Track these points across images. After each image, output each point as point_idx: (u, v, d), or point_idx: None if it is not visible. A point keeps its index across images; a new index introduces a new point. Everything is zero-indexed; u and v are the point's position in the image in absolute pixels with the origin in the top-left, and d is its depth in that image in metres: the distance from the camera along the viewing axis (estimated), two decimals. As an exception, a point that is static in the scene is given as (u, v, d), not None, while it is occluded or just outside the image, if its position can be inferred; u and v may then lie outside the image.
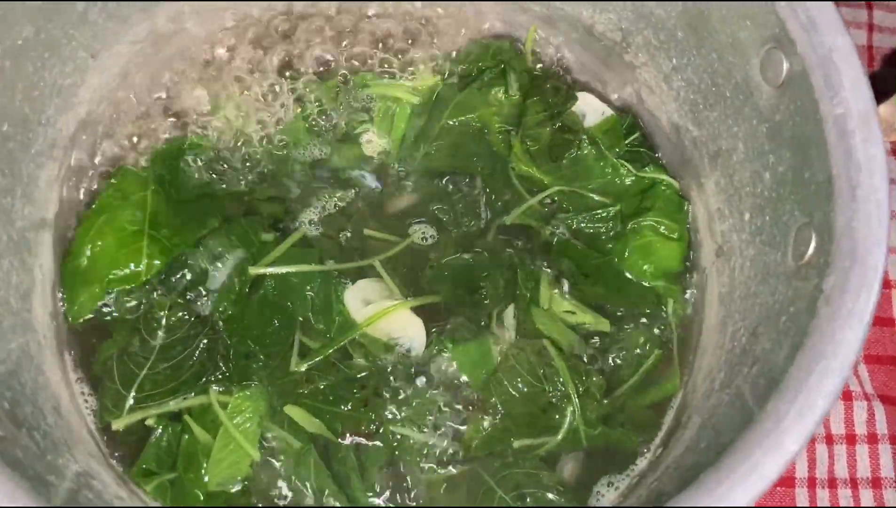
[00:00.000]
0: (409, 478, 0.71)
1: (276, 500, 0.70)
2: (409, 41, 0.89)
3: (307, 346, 0.74)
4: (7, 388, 0.59)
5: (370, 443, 0.71)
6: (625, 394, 0.75)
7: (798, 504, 0.85)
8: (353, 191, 0.82)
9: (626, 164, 0.82)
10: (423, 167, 0.83)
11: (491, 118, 0.84)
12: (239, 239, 0.77)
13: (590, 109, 0.86)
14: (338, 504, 0.69)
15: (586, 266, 0.79)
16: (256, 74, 0.87)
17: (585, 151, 0.82)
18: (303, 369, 0.72)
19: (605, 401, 0.73)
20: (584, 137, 0.83)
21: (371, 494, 0.70)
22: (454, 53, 0.89)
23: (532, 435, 0.72)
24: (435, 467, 0.71)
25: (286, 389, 0.72)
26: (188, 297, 0.75)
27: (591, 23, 0.83)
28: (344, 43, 0.89)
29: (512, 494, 0.69)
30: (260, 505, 0.69)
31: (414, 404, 0.72)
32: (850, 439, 0.88)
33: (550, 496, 0.69)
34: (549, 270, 0.78)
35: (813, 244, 0.56)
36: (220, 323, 0.74)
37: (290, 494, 0.69)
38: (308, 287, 0.75)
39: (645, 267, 0.79)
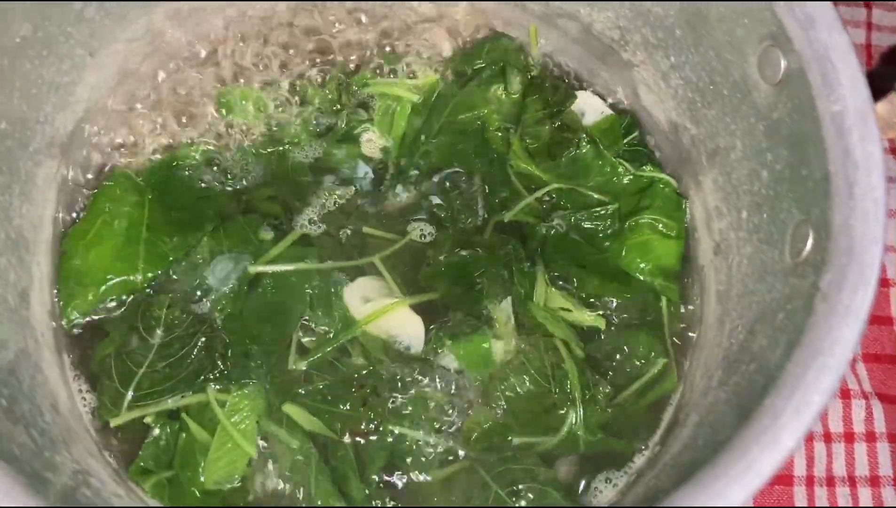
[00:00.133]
0: (408, 477, 0.71)
1: (273, 499, 0.70)
2: (409, 40, 0.89)
3: (306, 345, 0.74)
4: (4, 385, 0.59)
5: (369, 442, 0.71)
6: (625, 399, 0.75)
7: (796, 502, 0.85)
8: (352, 189, 0.82)
9: (624, 162, 0.82)
10: (423, 165, 0.83)
11: (490, 116, 0.84)
12: (238, 238, 0.77)
13: (589, 108, 0.87)
14: (336, 504, 0.68)
15: (583, 263, 0.79)
16: (255, 73, 0.87)
17: (584, 150, 0.82)
18: (302, 367, 0.72)
19: (609, 409, 0.73)
20: (583, 135, 0.83)
21: (370, 493, 0.70)
22: (454, 52, 0.89)
23: (532, 434, 0.72)
24: (434, 466, 0.71)
25: (284, 388, 0.72)
26: (187, 295, 0.75)
27: (590, 21, 0.83)
28: (344, 41, 0.89)
29: (507, 489, 0.69)
30: (257, 504, 0.69)
31: (413, 402, 0.72)
32: (849, 437, 0.88)
33: (546, 493, 0.69)
34: (544, 267, 0.78)
35: (810, 242, 0.56)
36: (219, 322, 0.74)
37: (287, 493, 0.69)
38: (307, 285, 0.75)
39: (642, 265, 0.79)
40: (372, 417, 0.71)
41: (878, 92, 0.72)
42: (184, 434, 0.70)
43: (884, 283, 0.95)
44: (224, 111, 0.84)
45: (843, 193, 0.53)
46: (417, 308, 0.75)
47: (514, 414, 0.72)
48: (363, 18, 0.90)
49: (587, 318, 0.76)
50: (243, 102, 0.85)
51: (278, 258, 0.76)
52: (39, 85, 0.69)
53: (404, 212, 0.82)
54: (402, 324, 0.74)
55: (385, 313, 0.73)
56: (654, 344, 0.76)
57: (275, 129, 0.84)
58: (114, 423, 0.70)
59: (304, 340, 0.74)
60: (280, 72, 0.87)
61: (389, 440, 0.71)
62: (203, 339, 0.73)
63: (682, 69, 0.75)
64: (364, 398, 0.72)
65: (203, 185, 0.81)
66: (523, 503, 0.69)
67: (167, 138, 0.83)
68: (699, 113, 0.75)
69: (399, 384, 0.72)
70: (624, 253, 0.79)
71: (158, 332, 0.73)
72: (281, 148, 0.83)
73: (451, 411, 0.72)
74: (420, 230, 0.80)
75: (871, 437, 0.88)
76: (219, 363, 0.72)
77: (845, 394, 0.89)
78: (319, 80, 0.86)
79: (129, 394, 0.70)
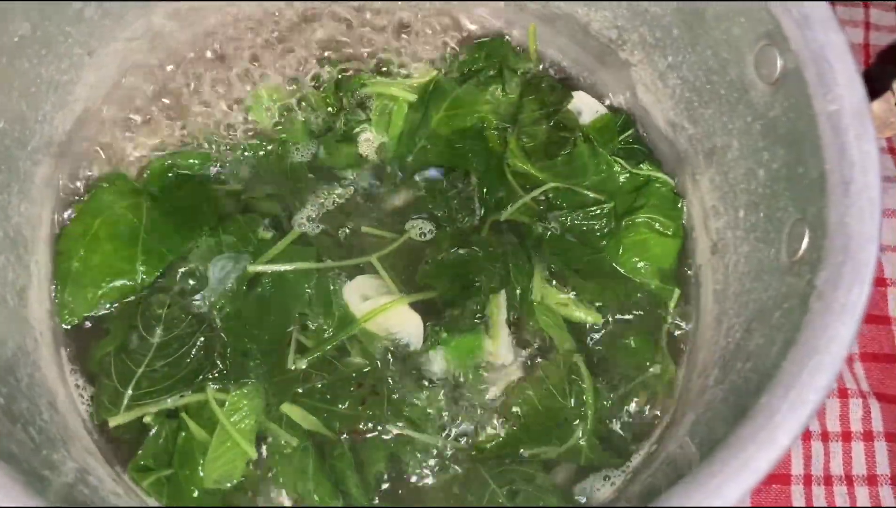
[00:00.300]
0: (408, 477, 0.71)
1: (272, 499, 0.70)
2: (407, 40, 0.89)
3: (304, 344, 0.74)
4: (3, 384, 0.59)
5: (368, 442, 0.71)
6: (624, 400, 0.75)
7: (794, 501, 0.85)
8: (350, 189, 0.82)
9: (620, 161, 0.82)
10: (420, 164, 0.83)
11: (487, 115, 0.84)
12: (236, 237, 0.77)
13: (585, 107, 0.87)
14: (335, 504, 0.69)
15: (579, 262, 0.79)
16: (254, 73, 0.87)
17: (580, 149, 0.82)
18: (302, 366, 0.72)
19: (613, 426, 0.74)
20: (580, 134, 0.83)
21: (368, 493, 0.70)
22: (451, 52, 0.89)
23: (539, 445, 0.73)
24: (433, 465, 0.71)
25: (283, 387, 0.72)
26: (186, 294, 0.75)
27: (587, 21, 0.83)
28: (341, 42, 0.90)
29: (505, 489, 0.69)
30: (256, 504, 0.69)
31: (411, 401, 0.72)
32: (846, 436, 0.88)
33: (542, 497, 0.69)
34: (541, 265, 0.78)
35: (806, 240, 0.56)
36: (218, 321, 0.74)
37: (286, 493, 0.70)
38: (306, 285, 0.75)
39: (639, 264, 0.79)
40: (371, 416, 0.71)
41: (876, 91, 0.72)
42: (183, 433, 0.70)
43: (881, 282, 0.95)
44: (222, 111, 0.84)
45: (839, 191, 0.53)
46: (416, 307, 0.75)
47: (527, 427, 0.72)
48: (361, 18, 0.90)
49: (584, 313, 0.77)
50: (242, 102, 0.85)
51: (277, 258, 0.76)
52: (38, 84, 0.69)
53: (402, 211, 0.82)
54: (401, 322, 0.74)
55: (384, 310, 0.74)
56: (651, 344, 0.77)
57: (273, 129, 0.84)
58: (113, 422, 0.70)
59: (303, 339, 0.74)
60: (279, 72, 0.87)
61: (388, 439, 0.71)
62: (202, 338, 0.73)
63: (679, 69, 0.75)
64: (363, 397, 0.72)
65: (201, 184, 0.81)
66: (521, 503, 0.69)
67: (165, 138, 0.83)
68: (696, 112, 0.75)
69: (398, 382, 0.72)
70: (621, 252, 0.80)
71: (158, 331, 0.73)
72: (279, 148, 0.83)
73: (450, 409, 0.73)
74: (419, 229, 0.80)
75: (868, 436, 0.88)
76: (218, 362, 0.72)
77: (843, 393, 0.89)
78: (318, 80, 0.86)
79: (128, 393, 0.70)
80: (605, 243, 0.80)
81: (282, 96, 0.85)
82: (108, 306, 0.74)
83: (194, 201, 0.80)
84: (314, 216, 0.80)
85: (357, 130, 0.85)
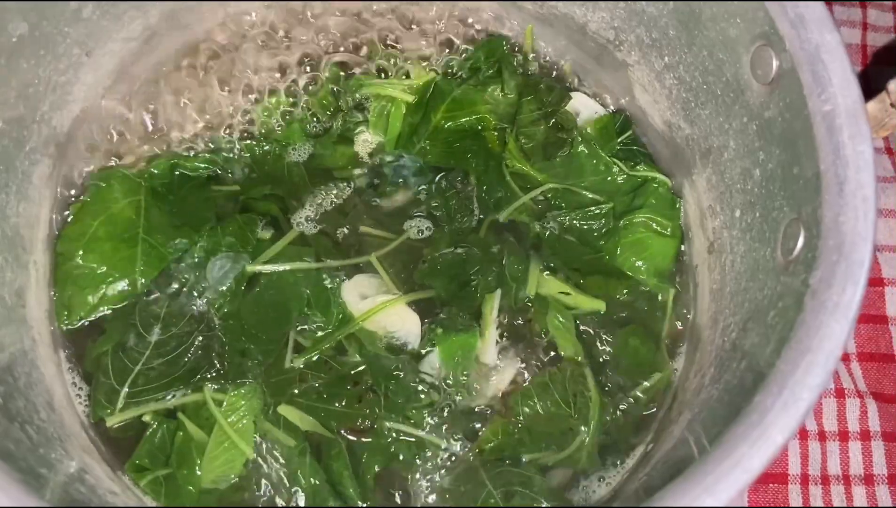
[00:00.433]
0: (403, 475, 0.71)
1: (269, 499, 0.70)
2: (405, 41, 0.90)
3: (302, 344, 0.74)
4: (0, 382, 0.59)
5: (366, 441, 0.71)
6: (622, 401, 0.75)
7: (791, 501, 0.85)
8: (348, 189, 0.82)
9: (618, 162, 0.82)
10: (418, 164, 0.83)
11: (486, 116, 0.84)
12: (235, 237, 0.77)
13: (583, 108, 0.87)
14: (332, 504, 0.69)
15: (577, 262, 0.79)
16: (252, 73, 0.87)
17: (578, 150, 0.83)
18: (300, 365, 0.72)
19: (612, 432, 0.74)
20: (578, 135, 0.83)
21: (364, 493, 0.70)
22: (449, 53, 0.89)
23: (540, 451, 0.73)
24: (432, 464, 0.71)
25: (281, 387, 0.72)
26: (184, 294, 0.75)
27: (584, 21, 0.83)
28: (339, 42, 0.90)
29: (501, 491, 0.69)
30: (254, 504, 0.69)
31: (409, 399, 0.72)
32: (843, 436, 0.88)
33: (538, 499, 0.69)
34: (539, 263, 0.78)
35: (801, 240, 0.56)
36: (216, 321, 0.74)
37: (284, 492, 0.70)
38: (304, 284, 0.75)
39: (637, 264, 0.79)
40: (367, 414, 0.71)
41: (874, 92, 0.72)
42: (180, 433, 0.70)
43: (879, 282, 0.95)
44: (220, 112, 0.85)
45: (834, 191, 0.53)
46: (414, 306, 0.75)
47: (529, 431, 0.72)
48: (359, 19, 0.90)
49: (586, 301, 0.76)
50: (239, 103, 0.85)
51: (276, 258, 0.76)
52: (36, 84, 0.69)
53: (400, 211, 0.82)
54: (400, 321, 0.75)
55: (382, 309, 0.74)
56: (649, 344, 0.77)
57: (271, 129, 0.84)
58: (109, 421, 0.70)
59: (301, 339, 0.74)
60: (276, 72, 0.88)
61: (387, 439, 0.71)
62: (200, 338, 0.73)
63: (675, 69, 0.75)
64: (359, 396, 0.72)
65: (199, 185, 0.81)
66: (516, 503, 0.69)
67: (163, 138, 0.83)
68: (693, 113, 0.75)
69: (395, 380, 0.72)
70: (618, 252, 0.80)
71: (156, 330, 0.73)
72: (277, 148, 0.83)
73: (447, 408, 0.73)
74: (417, 227, 0.80)
75: (865, 436, 0.88)
76: (216, 362, 0.73)
77: (840, 393, 0.89)
78: (316, 82, 0.86)
79: (125, 391, 0.70)
80: (603, 243, 0.80)
81: (283, 102, 0.85)
82: (106, 308, 0.74)
83: (193, 202, 0.80)
84: (312, 216, 0.80)
85: (354, 130, 0.85)
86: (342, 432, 0.71)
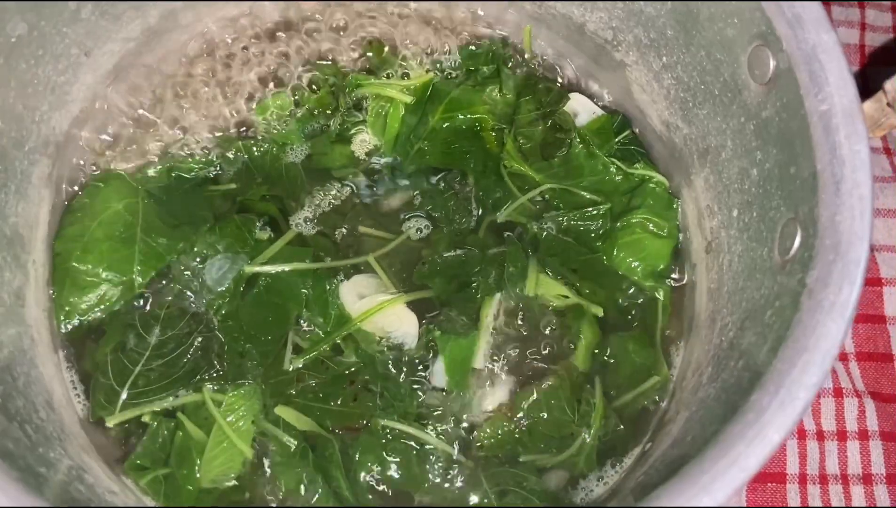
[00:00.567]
0: (400, 474, 0.71)
1: (268, 498, 0.70)
2: (403, 41, 0.90)
3: (300, 345, 0.74)
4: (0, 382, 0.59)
5: (361, 439, 0.71)
6: (620, 403, 0.75)
7: (789, 500, 0.85)
8: (347, 190, 0.82)
9: (616, 161, 0.82)
10: (417, 165, 0.83)
11: (484, 116, 0.84)
12: (233, 237, 0.77)
13: (582, 109, 0.87)
14: (330, 504, 0.69)
15: (575, 262, 0.79)
16: (250, 74, 0.87)
17: (577, 150, 0.83)
18: (299, 365, 0.73)
19: (610, 436, 0.74)
20: (576, 135, 0.83)
21: (358, 494, 0.70)
22: (447, 53, 0.89)
23: (538, 453, 0.73)
24: (426, 462, 0.71)
25: (279, 387, 0.72)
26: (183, 295, 0.75)
27: (583, 21, 0.83)
28: (338, 43, 0.90)
29: (496, 489, 0.69)
30: (252, 503, 0.70)
31: (404, 398, 0.72)
32: (841, 435, 0.88)
33: (532, 499, 0.70)
34: (538, 264, 0.78)
35: (798, 239, 0.56)
36: (215, 321, 0.74)
37: (282, 492, 0.70)
38: (302, 285, 0.75)
39: (634, 264, 0.79)
40: (363, 413, 0.71)
41: (872, 92, 0.72)
42: (180, 432, 0.70)
43: (877, 282, 0.95)
44: (218, 112, 0.85)
45: (830, 190, 0.53)
46: (412, 307, 0.75)
47: (530, 433, 0.73)
48: (357, 19, 0.90)
49: (585, 305, 0.76)
50: (237, 103, 0.85)
51: (274, 258, 0.76)
52: (35, 84, 0.70)
53: (399, 212, 0.82)
54: (398, 321, 0.75)
55: (381, 309, 0.74)
56: (647, 345, 0.77)
57: (269, 130, 0.84)
58: (109, 422, 0.70)
59: (299, 340, 0.74)
60: (274, 73, 0.88)
61: (382, 438, 0.71)
62: (199, 339, 0.73)
63: (673, 69, 0.75)
64: (355, 395, 0.72)
65: (197, 185, 0.82)
66: (508, 503, 0.69)
67: (162, 138, 0.83)
68: (691, 113, 0.75)
69: (391, 379, 0.73)
70: (615, 252, 0.80)
71: (155, 331, 0.73)
72: (275, 149, 0.83)
73: (444, 407, 0.73)
74: (416, 227, 0.80)
75: (863, 435, 0.88)
76: (215, 362, 0.73)
77: (838, 392, 0.89)
78: (313, 81, 0.87)
79: (125, 392, 0.71)
80: (600, 243, 0.80)
81: (281, 102, 0.85)
82: (105, 308, 0.74)
83: (190, 203, 0.80)
84: (311, 217, 0.80)
85: (352, 130, 0.85)
86: (338, 431, 0.72)
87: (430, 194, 0.82)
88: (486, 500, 0.69)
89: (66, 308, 0.74)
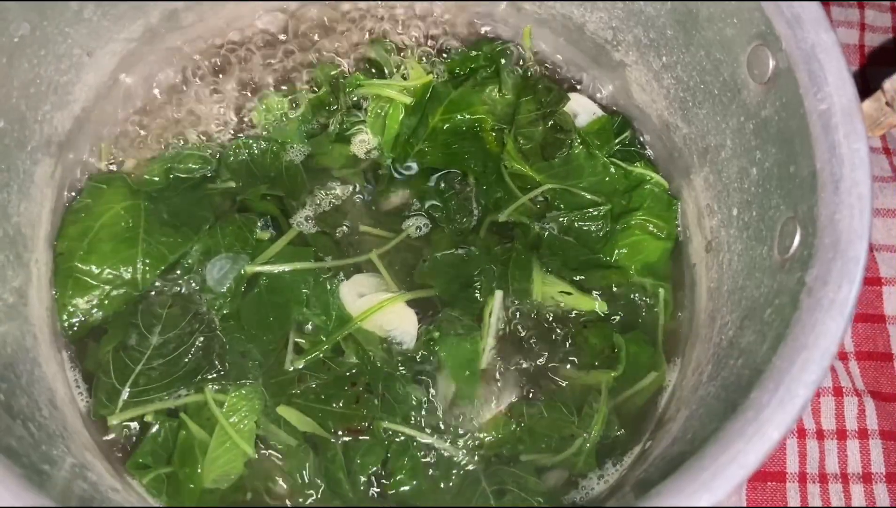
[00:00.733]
0: (400, 475, 0.71)
1: (270, 499, 0.70)
2: (403, 41, 0.90)
3: (301, 345, 0.74)
4: (3, 380, 0.59)
5: (363, 441, 0.71)
6: (620, 403, 0.75)
7: (789, 498, 0.86)
8: (347, 189, 0.82)
9: (617, 161, 0.83)
10: (418, 165, 0.84)
11: (484, 116, 0.85)
12: (234, 237, 0.77)
13: (582, 109, 0.87)
14: (331, 504, 0.69)
15: (575, 262, 0.79)
16: (250, 74, 0.88)
17: (577, 150, 0.83)
18: (299, 366, 0.73)
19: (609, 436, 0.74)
20: (576, 136, 0.83)
21: (359, 495, 0.70)
22: (447, 53, 0.90)
23: (538, 452, 0.73)
24: (426, 463, 0.71)
25: (280, 388, 0.72)
26: (185, 294, 0.76)
27: (583, 21, 0.84)
28: (337, 43, 0.90)
29: (494, 488, 0.70)
30: (254, 504, 0.70)
31: (406, 399, 0.72)
32: (841, 434, 0.88)
33: (531, 499, 0.70)
34: (539, 264, 0.78)
35: (797, 238, 0.57)
36: (217, 321, 0.75)
37: (284, 492, 0.70)
38: (303, 285, 0.75)
39: (634, 264, 0.80)
40: (365, 415, 0.71)
41: (871, 91, 0.72)
42: (183, 431, 0.70)
43: (876, 282, 0.95)
44: (219, 111, 0.85)
45: (829, 189, 0.53)
46: (413, 306, 0.75)
47: (531, 432, 0.73)
48: (357, 19, 0.91)
49: (587, 302, 0.77)
50: (239, 103, 0.86)
51: (275, 258, 0.76)
52: (38, 84, 0.70)
53: (399, 211, 0.82)
54: (397, 319, 0.75)
55: (381, 307, 0.74)
56: (647, 344, 0.77)
57: (269, 130, 0.85)
58: (111, 420, 0.70)
59: (300, 340, 0.74)
60: (274, 72, 0.88)
61: (384, 440, 0.71)
62: (201, 338, 0.73)
63: (673, 69, 0.76)
64: (357, 396, 0.72)
65: (197, 184, 0.82)
66: (507, 503, 0.69)
67: (163, 139, 0.84)
68: (690, 112, 0.75)
69: (392, 380, 0.73)
70: (615, 252, 0.80)
71: (157, 330, 0.73)
72: (275, 147, 0.83)
73: (443, 408, 0.73)
74: (416, 225, 0.80)
75: (863, 434, 0.88)
76: (216, 362, 0.73)
77: (838, 391, 0.89)
78: (313, 80, 0.87)
79: (126, 391, 0.71)
80: (600, 244, 0.81)
81: (281, 101, 0.85)
82: (107, 308, 0.75)
83: (191, 201, 0.80)
84: (311, 216, 0.80)
85: (352, 130, 0.85)
86: (340, 432, 0.72)
87: (431, 193, 0.82)
88: (484, 499, 0.69)
89: (69, 307, 0.74)
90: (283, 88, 0.87)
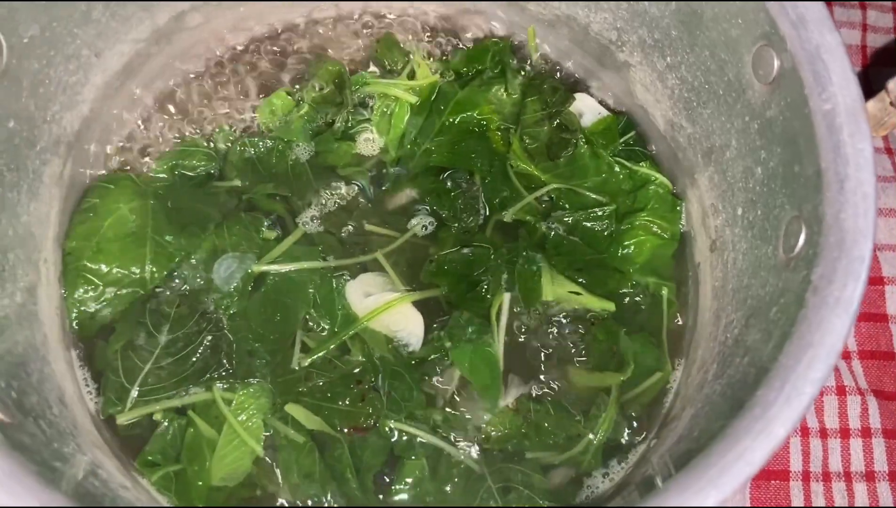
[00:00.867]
0: (405, 473, 0.71)
1: (276, 496, 0.70)
2: (409, 40, 0.90)
3: (307, 344, 0.74)
4: (14, 378, 0.60)
5: (369, 440, 0.72)
6: (624, 401, 0.76)
7: (792, 497, 0.86)
8: (353, 188, 0.83)
9: (622, 161, 0.83)
10: (423, 164, 0.84)
11: (490, 116, 0.85)
12: (241, 236, 0.77)
13: (587, 109, 0.88)
14: (337, 503, 0.69)
15: (581, 261, 0.79)
16: (256, 73, 0.88)
17: (582, 150, 0.83)
18: (306, 364, 0.73)
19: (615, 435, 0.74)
20: (581, 136, 0.84)
21: (367, 494, 0.70)
22: (453, 53, 0.90)
23: (544, 450, 0.73)
24: (432, 461, 0.72)
25: (288, 386, 0.72)
26: (193, 293, 0.76)
27: (587, 22, 0.84)
28: (344, 42, 0.90)
29: (499, 486, 0.70)
30: (262, 501, 0.70)
31: (410, 398, 0.72)
32: (844, 433, 0.89)
33: (536, 498, 0.70)
34: (546, 264, 0.78)
35: (802, 237, 0.57)
36: (224, 320, 0.75)
37: (291, 490, 0.70)
38: (310, 284, 0.76)
39: (638, 265, 0.80)
40: (370, 413, 0.72)
41: (873, 92, 0.73)
42: (191, 429, 0.71)
43: (879, 281, 0.95)
44: (226, 111, 0.85)
45: (834, 188, 0.54)
46: (420, 306, 0.75)
47: (537, 428, 0.73)
48: (363, 19, 0.91)
49: (596, 302, 0.77)
50: (244, 102, 0.86)
51: (281, 257, 0.77)
52: (47, 84, 0.70)
53: (405, 210, 0.83)
54: (404, 321, 0.75)
55: (388, 308, 0.74)
56: (652, 344, 0.77)
57: (275, 128, 0.85)
58: (120, 419, 0.71)
59: (307, 339, 0.75)
60: (281, 71, 0.88)
61: (390, 439, 0.71)
62: (209, 337, 0.74)
63: (677, 69, 0.76)
64: (363, 395, 0.72)
65: (203, 183, 0.82)
66: (511, 503, 0.69)
67: (170, 138, 0.84)
68: (695, 112, 0.76)
69: (398, 379, 0.73)
70: (620, 253, 0.80)
71: (165, 329, 0.74)
72: (280, 145, 0.83)
73: (448, 406, 0.73)
74: (421, 224, 0.81)
75: (866, 433, 0.89)
76: (224, 361, 0.73)
77: (841, 390, 0.90)
78: (319, 79, 0.87)
79: (135, 390, 0.71)
80: (605, 243, 0.81)
81: (287, 99, 0.85)
82: (116, 305, 0.75)
83: (198, 200, 0.80)
84: (317, 215, 0.81)
85: (357, 128, 0.85)
86: (346, 430, 0.72)
87: (437, 192, 0.83)
88: (489, 497, 0.70)
89: (78, 306, 0.74)
90: (288, 86, 0.87)
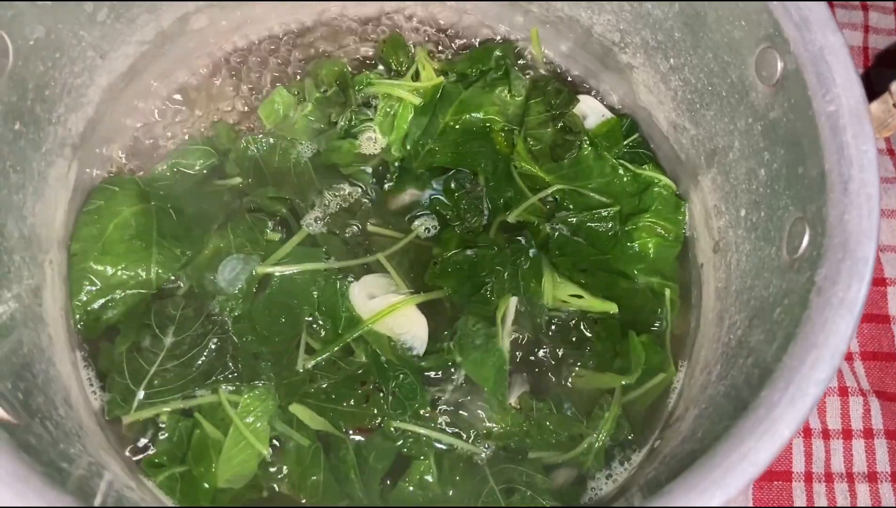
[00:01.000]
0: (409, 473, 0.71)
1: (283, 498, 0.70)
2: (414, 41, 0.91)
3: (312, 345, 0.74)
4: (20, 379, 0.60)
5: (374, 441, 0.72)
6: (628, 402, 0.76)
7: (795, 498, 0.86)
8: (356, 189, 0.83)
9: (626, 163, 0.83)
10: (427, 164, 0.84)
11: (494, 117, 0.85)
12: (245, 237, 0.77)
13: (591, 111, 0.88)
14: (342, 504, 0.69)
15: (585, 262, 0.80)
16: (260, 74, 0.88)
17: (586, 152, 0.83)
18: (310, 366, 0.73)
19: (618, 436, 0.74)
20: (585, 137, 0.84)
21: (371, 495, 0.70)
22: (457, 55, 0.90)
23: (546, 450, 0.73)
24: (436, 460, 0.72)
25: (292, 388, 0.72)
26: (198, 296, 0.76)
27: (590, 24, 0.84)
28: (348, 42, 0.91)
29: (502, 486, 0.70)
30: (268, 503, 0.70)
31: (414, 398, 0.72)
32: (847, 434, 0.89)
33: (539, 498, 0.70)
34: (549, 265, 0.78)
35: (806, 238, 0.57)
36: (229, 323, 0.75)
37: (297, 492, 0.70)
38: (313, 286, 0.76)
39: (642, 265, 0.80)
40: (375, 413, 0.72)
41: (876, 94, 0.73)
42: (197, 431, 0.71)
43: (881, 282, 0.95)
44: (230, 111, 0.86)
45: (838, 189, 0.54)
46: (423, 309, 0.75)
47: (539, 426, 0.73)
48: (368, 20, 0.91)
49: (599, 304, 0.77)
50: (248, 103, 0.86)
51: (285, 259, 0.77)
52: (52, 86, 0.70)
53: (409, 211, 0.83)
54: (408, 323, 0.75)
55: (392, 311, 0.74)
56: (655, 344, 0.77)
57: (278, 128, 0.85)
58: (126, 420, 0.71)
59: (311, 341, 0.75)
60: (284, 72, 0.88)
61: (395, 440, 0.72)
62: (215, 340, 0.74)
63: (681, 71, 0.76)
64: (367, 396, 0.72)
65: (205, 183, 0.82)
66: (515, 503, 0.69)
67: (174, 139, 0.84)
68: (698, 114, 0.76)
69: (401, 380, 0.73)
70: (624, 253, 0.81)
71: (171, 331, 0.74)
72: (283, 144, 0.83)
73: (453, 407, 0.73)
74: (425, 226, 0.81)
75: (868, 434, 0.89)
76: (230, 363, 0.73)
77: (843, 391, 0.90)
78: (323, 80, 0.87)
79: (141, 392, 0.71)
80: (609, 245, 0.81)
81: (291, 98, 0.85)
82: (121, 307, 0.75)
83: (202, 201, 0.80)
84: (321, 216, 0.81)
85: (360, 129, 0.85)
86: (350, 431, 0.72)
87: (441, 192, 0.83)
88: (493, 498, 0.70)
89: (83, 308, 0.74)
90: (291, 85, 0.87)
